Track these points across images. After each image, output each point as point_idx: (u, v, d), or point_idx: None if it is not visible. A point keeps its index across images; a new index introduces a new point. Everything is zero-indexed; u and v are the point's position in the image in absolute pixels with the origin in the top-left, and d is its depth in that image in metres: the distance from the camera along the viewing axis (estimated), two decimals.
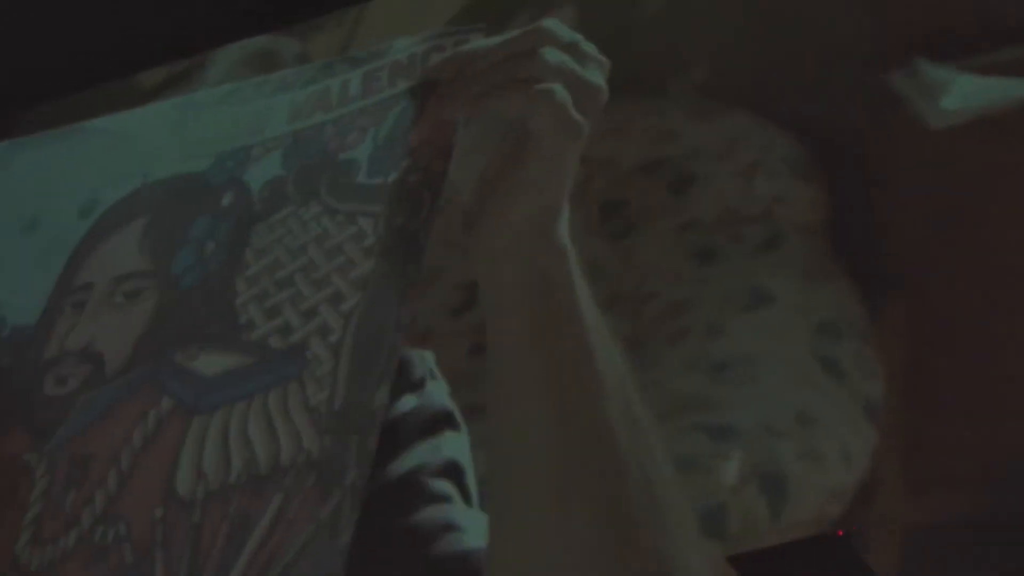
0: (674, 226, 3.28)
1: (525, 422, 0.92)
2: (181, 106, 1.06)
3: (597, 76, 0.91)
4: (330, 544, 0.80)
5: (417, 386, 1.10)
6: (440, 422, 1.09)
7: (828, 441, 2.92)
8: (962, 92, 3.10)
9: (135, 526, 0.86)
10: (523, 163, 0.90)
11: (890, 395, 2.95)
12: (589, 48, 0.92)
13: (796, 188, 3.19)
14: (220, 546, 0.83)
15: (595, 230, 3.24)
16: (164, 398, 0.89)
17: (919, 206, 3.06)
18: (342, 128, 0.96)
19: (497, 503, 0.96)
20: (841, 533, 2.02)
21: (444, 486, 1.06)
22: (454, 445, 1.09)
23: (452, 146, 0.91)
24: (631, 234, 3.31)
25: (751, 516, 2.89)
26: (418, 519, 1.04)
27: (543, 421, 0.91)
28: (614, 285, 3.19)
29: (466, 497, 1.07)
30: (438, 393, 1.11)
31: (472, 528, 1.03)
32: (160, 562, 0.84)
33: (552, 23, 0.91)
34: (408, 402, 1.09)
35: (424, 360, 1.12)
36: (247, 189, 0.97)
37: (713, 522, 2.87)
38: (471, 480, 1.08)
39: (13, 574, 0.87)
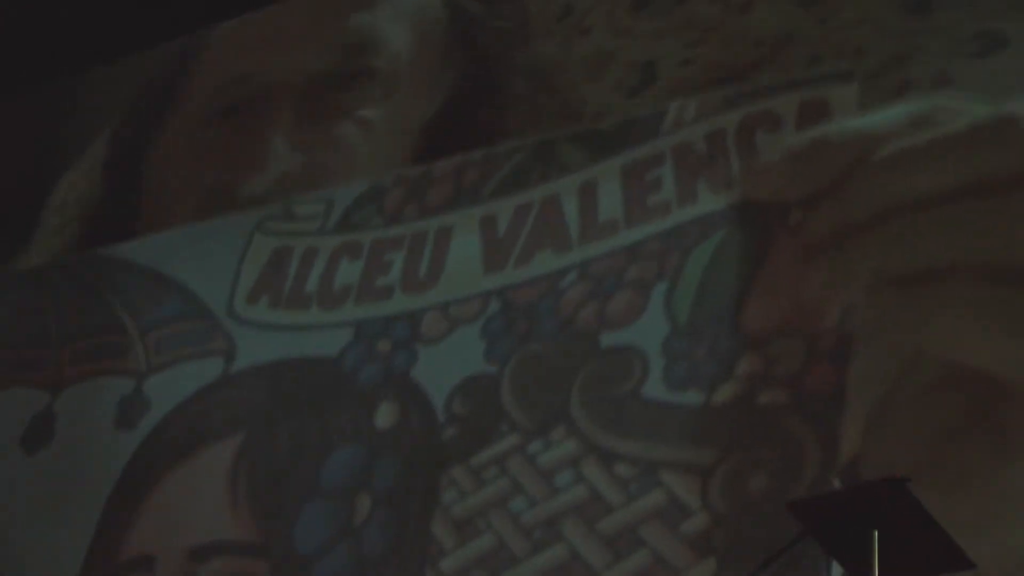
0: None
1: None
2: (275, 230, 0.66)
3: None
4: None
5: None
6: None
7: None
8: None
9: None
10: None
11: None
12: None
13: None
14: None
15: None
16: None
17: None
18: (593, 277, 0.60)
19: None
20: (899, 475, 2.02)
21: None
22: None
23: (849, 340, 0.52)
24: None
25: None
26: None
27: None
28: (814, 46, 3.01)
29: None
30: None
31: None
32: None
33: None
34: None
35: None
36: (423, 397, 0.62)
37: None
38: None
39: None
